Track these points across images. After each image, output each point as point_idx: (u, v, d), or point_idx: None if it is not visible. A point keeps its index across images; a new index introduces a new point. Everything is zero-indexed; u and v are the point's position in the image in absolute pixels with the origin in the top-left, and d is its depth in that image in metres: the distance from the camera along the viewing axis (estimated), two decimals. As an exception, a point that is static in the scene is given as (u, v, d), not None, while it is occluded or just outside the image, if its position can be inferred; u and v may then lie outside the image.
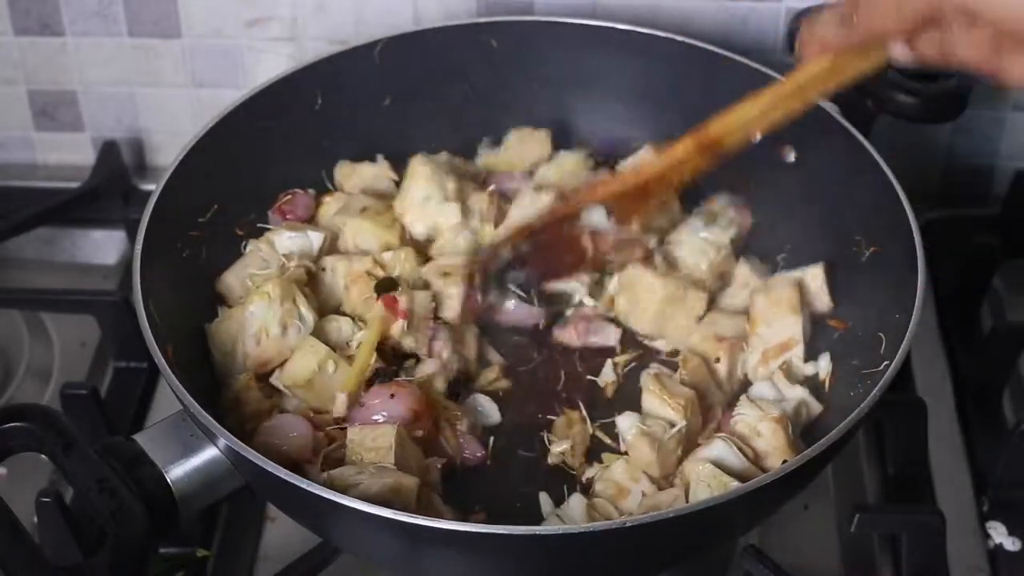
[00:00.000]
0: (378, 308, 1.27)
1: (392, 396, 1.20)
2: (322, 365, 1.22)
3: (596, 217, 1.29)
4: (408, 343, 1.27)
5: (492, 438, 1.25)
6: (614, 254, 1.33)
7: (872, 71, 1.11)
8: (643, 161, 1.38)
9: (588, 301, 1.36)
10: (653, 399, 1.23)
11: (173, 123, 1.66)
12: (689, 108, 1.43)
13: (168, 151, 1.65)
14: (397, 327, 1.27)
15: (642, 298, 1.33)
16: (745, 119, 1.20)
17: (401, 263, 1.32)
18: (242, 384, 1.22)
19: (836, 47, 1.09)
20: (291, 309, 1.26)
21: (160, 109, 1.66)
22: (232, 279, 1.30)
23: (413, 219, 1.38)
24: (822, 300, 1.31)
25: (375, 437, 1.16)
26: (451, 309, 1.31)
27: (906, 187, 1.24)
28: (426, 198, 1.37)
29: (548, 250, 1.31)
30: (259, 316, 1.25)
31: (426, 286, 1.32)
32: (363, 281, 1.30)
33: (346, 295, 1.31)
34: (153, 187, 1.26)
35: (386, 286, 1.29)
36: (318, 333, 1.26)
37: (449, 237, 1.36)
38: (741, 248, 1.39)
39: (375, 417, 1.18)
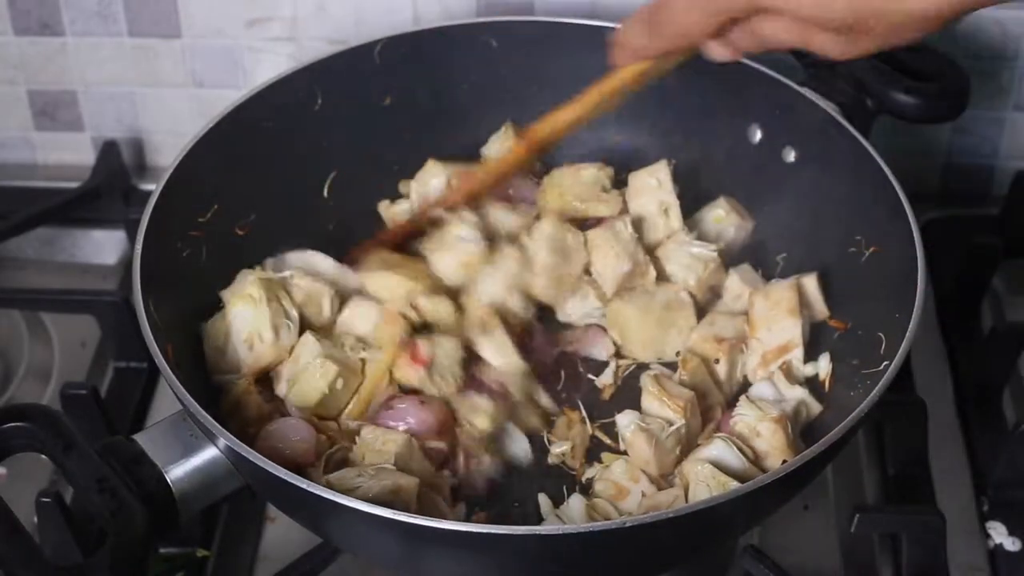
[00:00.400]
0: (392, 333, 1.25)
1: (422, 403, 1.21)
2: (332, 385, 1.22)
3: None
4: (430, 390, 1.24)
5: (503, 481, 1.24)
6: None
7: (685, 60, 1.18)
8: (482, 167, 1.41)
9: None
10: (652, 400, 1.23)
11: (173, 123, 1.66)
12: (689, 108, 1.44)
13: (168, 151, 1.65)
14: (416, 375, 1.23)
15: (631, 329, 1.32)
16: (568, 120, 1.31)
17: (435, 309, 1.28)
18: (242, 389, 1.22)
19: (646, 55, 1.15)
20: (278, 309, 1.26)
21: (160, 109, 1.66)
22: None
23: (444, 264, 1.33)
24: (819, 308, 1.30)
25: (385, 440, 1.16)
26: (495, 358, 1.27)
27: (906, 187, 1.24)
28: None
29: None
30: (247, 319, 1.24)
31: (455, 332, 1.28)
32: (395, 324, 1.26)
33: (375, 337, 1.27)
34: (153, 187, 1.26)
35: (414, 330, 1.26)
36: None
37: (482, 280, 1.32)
38: (736, 255, 1.39)
39: (396, 423, 1.19)
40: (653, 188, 1.39)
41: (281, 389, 1.24)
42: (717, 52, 1.12)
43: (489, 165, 1.41)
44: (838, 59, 1.04)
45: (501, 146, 1.45)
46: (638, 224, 1.38)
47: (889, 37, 1.00)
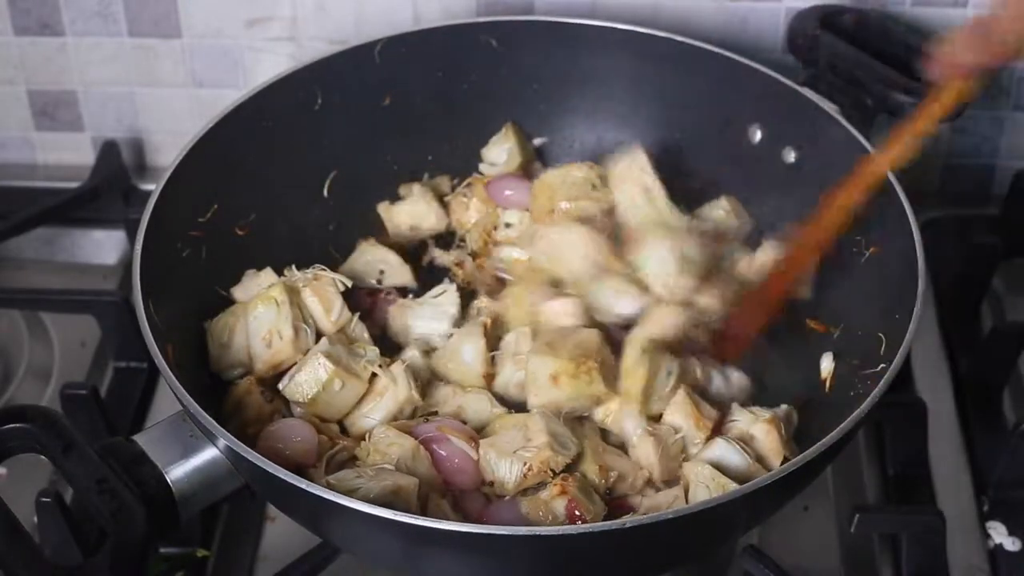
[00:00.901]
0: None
1: (465, 422, 1.22)
2: (328, 384, 1.22)
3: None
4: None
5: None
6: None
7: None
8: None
9: None
10: (678, 414, 1.22)
11: (173, 123, 1.66)
12: (689, 108, 1.44)
13: (168, 151, 1.65)
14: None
15: None
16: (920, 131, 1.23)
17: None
18: (243, 389, 1.22)
19: (977, 67, 1.12)
20: (298, 313, 1.26)
21: (160, 109, 1.66)
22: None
23: None
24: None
25: (391, 443, 1.16)
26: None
27: (906, 187, 1.24)
28: None
29: None
30: (268, 319, 1.24)
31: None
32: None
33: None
34: (153, 187, 1.26)
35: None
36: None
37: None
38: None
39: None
40: (635, 174, 1.39)
41: (283, 383, 1.24)
42: None
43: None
44: None
45: (501, 149, 1.46)
46: (623, 212, 1.38)
47: None
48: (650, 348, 1.22)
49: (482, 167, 1.49)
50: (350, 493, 1.06)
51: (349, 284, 1.30)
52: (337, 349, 1.24)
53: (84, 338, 1.50)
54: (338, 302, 1.28)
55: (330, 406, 1.22)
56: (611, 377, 1.22)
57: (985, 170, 1.65)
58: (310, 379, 1.21)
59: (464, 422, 1.24)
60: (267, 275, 1.32)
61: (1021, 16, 1.06)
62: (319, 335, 1.27)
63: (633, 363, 1.21)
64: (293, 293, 1.27)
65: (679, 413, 1.22)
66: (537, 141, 1.51)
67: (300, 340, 1.25)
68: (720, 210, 1.41)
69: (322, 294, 1.28)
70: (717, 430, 1.22)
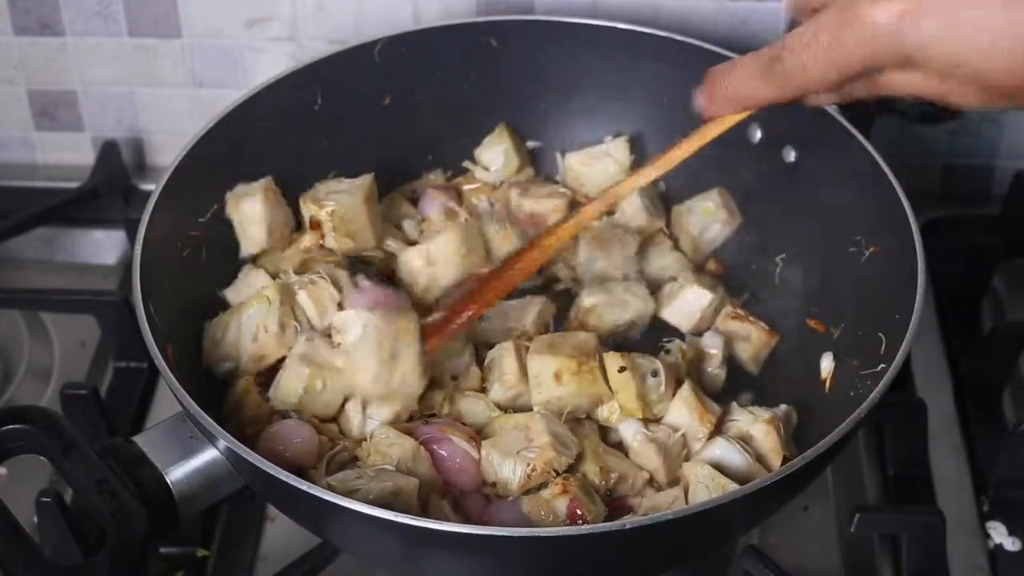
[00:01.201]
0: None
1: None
2: (309, 386, 1.21)
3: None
4: None
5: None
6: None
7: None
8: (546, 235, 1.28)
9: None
10: (682, 409, 1.22)
11: (173, 123, 1.66)
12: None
13: (168, 151, 1.65)
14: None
15: None
16: (637, 184, 1.22)
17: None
18: (242, 388, 1.22)
19: (756, 104, 1.00)
20: (288, 311, 1.26)
21: (160, 109, 1.66)
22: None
23: None
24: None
25: (391, 444, 1.16)
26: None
27: (906, 187, 1.24)
28: None
29: None
30: (257, 318, 1.25)
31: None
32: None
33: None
34: (153, 187, 1.26)
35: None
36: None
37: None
38: (724, 253, 1.40)
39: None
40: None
41: (271, 389, 1.24)
42: (821, 100, 1.00)
43: (542, 240, 1.27)
44: (970, 109, 0.93)
45: (497, 151, 1.46)
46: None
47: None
48: (628, 361, 1.22)
49: (477, 173, 1.48)
50: (350, 494, 1.06)
51: (339, 298, 1.29)
52: (315, 347, 1.23)
53: (84, 338, 1.50)
54: (332, 307, 1.28)
55: (319, 405, 1.22)
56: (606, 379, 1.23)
57: (985, 170, 1.65)
58: (290, 383, 1.21)
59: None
60: (259, 276, 1.32)
61: (820, 57, 0.92)
62: None
63: (620, 380, 1.22)
64: (287, 294, 1.26)
65: (683, 407, 1.22)
66: (531, 144, 1.50)
67: (286, 336, 1.25)
68: (709, 203, 1.41)
69: (317, 297, 1.28)
70: (717, 429, 1.22)
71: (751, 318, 1.33)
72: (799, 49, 0.93)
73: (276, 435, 1.17)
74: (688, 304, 1.35)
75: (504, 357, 1.26)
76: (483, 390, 1.27)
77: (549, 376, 1.21)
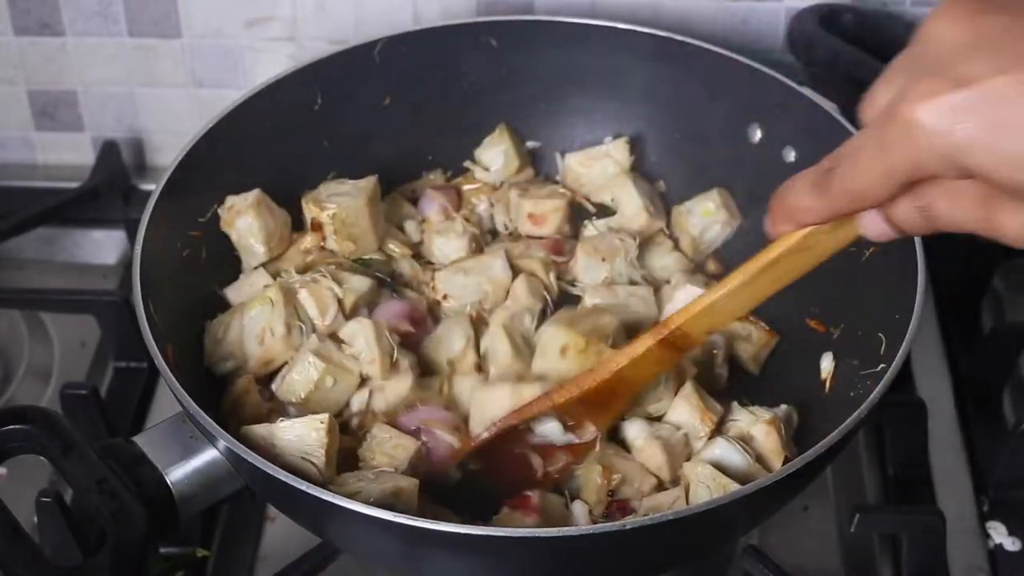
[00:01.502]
0: None
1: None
2: (321, 381, 1.22)
3: (548, 429, 1.20)
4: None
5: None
6: (565, 466, 1.21)
7: (839, 250, 1.01)
8: (602, 361, 1.20)
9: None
10: (684, 407, 1.22)
11: (173, 123, 1.66)
12: (689, 108, 1.44)
13: (168, 151, 1.65)
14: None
15: None
16: (711, 309, 1.11)
17: None
18: (242, 387, 1.22)
19: (812, 219, 0.95)
20: (292, 312, 1.26)
21: (160, 109, 1.66)
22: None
23: None
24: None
25: (396, 444, 1.16)
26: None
27: (906, 187, 1.24)
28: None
29: (495, 469, 1.21)
30: (261, 319, 1.25)
31: None
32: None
33: None
34: (153, 187, 1.26)
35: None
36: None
37: None
38: (725, 253, 1.40)
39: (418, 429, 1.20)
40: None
41: (275, 383, 1.24)
42: (876, 229, 0.93)
43: (607, 364, 1.18)
44: (1015, 245, 0.86)
45: (497, 152, 1.47)
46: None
47: None
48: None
49: (477, 173, 1.48)
50: (351, 496, 1.06)
51: (341, 296, 1.29)
52: (327, 346, 1.24)
53: (84, 338, 1.50)
54: (333, 306, 1.28)
55: (325, 403, 1.22)
56: None
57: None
58: (302, 378, 1.22)
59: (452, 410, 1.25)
60: (261, 276, 1.32)
61: (875, 161, 0.86)
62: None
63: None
64: (289, 294, 1.27)
65: (685, 405, 1.22)
66: (530, 144, 1.50)
67: (292, 337, 1.25)
68: (709, 203, 1.41)
69: (318, 296, 1.28)
70: (717, 429, 1.22)
71: (752, 318, 1.33)
72: (850, 155, 0.89)
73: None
74: (683, 303, 1.35)
75: (496, 342, 1.26)
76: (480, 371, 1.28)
77: (556, 348, 1.22)
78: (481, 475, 1.21)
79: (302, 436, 1.11)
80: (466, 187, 1.47)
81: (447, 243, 1.39)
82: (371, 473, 1.12)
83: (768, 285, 1.06)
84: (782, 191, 0.96)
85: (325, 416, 1.12)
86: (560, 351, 1.22)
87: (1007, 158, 0.79)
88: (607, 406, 1.19)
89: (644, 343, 1.15)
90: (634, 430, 1.21)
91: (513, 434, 1.20)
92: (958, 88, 0.79)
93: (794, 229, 0.98)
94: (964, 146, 0.80)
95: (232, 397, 1.22)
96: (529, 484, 1.19)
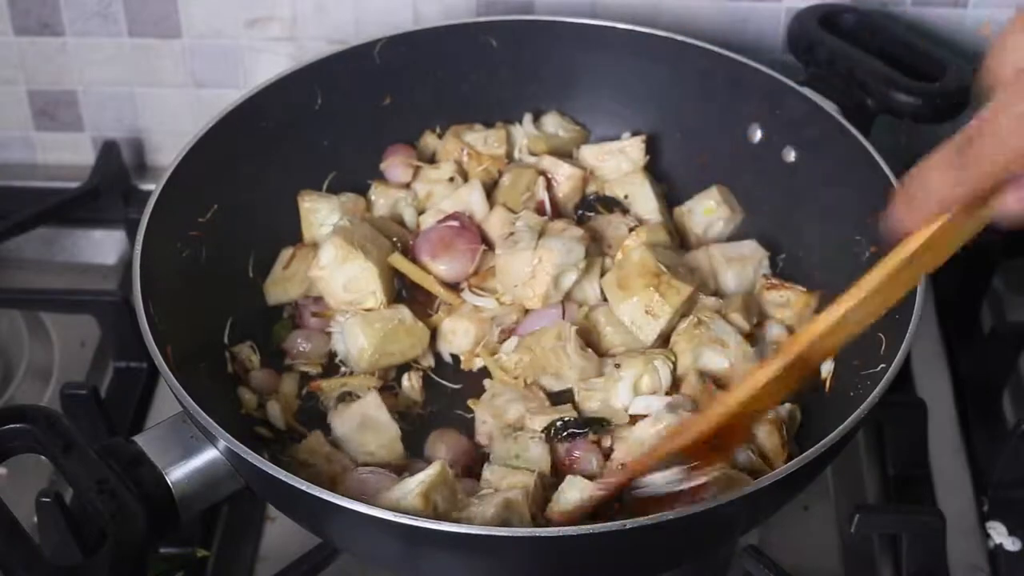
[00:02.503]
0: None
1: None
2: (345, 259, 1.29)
3: (664, 480, 1.09)
4: None
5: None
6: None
7: (973, 235, 0.94)
8: (719, 395, 1.13)
9: None
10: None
11: (173, 123, 1.66)
12: (689, 108, 1.44)
13: (168, 151, 1.65)
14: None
15: None
16: (838, 325, 1.00)
17: None
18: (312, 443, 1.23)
19: (957, 197, 0.87)
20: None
21: (160, 109, 1.66)
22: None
23: None
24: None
25: (513, 483, 1.15)
26: None
27: (906, 187, 1.24)
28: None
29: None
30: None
31: None
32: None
33: None
34: (153, 187, 1.26)
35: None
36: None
37: None
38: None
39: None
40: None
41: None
42: (1015, 204, 0.86)
43: (727, 399, 1.06)
44: None
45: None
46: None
47: None
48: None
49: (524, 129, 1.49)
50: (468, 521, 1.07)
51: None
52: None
53: (84, 338, 1.50)
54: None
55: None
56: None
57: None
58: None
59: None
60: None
61: (1014, 125, 0.81)
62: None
63: None
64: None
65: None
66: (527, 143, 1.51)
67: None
68: (710, 201, 1.41)
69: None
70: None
71: (786, 284, 1.33)
72: (992, 120, 0.83)
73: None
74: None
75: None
76: None
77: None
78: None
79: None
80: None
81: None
82: (475, 500, 1.12)
83: (898, 289, 0.99)
84: (915, 175, 0.88)
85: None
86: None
87: None
88: (728, 442, 1.09)
89: (766, 373, 1.03)
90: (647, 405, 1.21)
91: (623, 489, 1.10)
92: None
93: (932, 217, 0.91)
94: None
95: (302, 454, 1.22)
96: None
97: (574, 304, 1.33)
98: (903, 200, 0.91)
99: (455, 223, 1.37)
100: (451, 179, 1.42)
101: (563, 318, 1.31)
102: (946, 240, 0.93)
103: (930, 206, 0.89)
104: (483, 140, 1.44)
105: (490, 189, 1.42)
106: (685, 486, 1.07)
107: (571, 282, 1.32)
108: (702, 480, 1.07)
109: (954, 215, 0.90)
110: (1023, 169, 0.83)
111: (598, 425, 1.20)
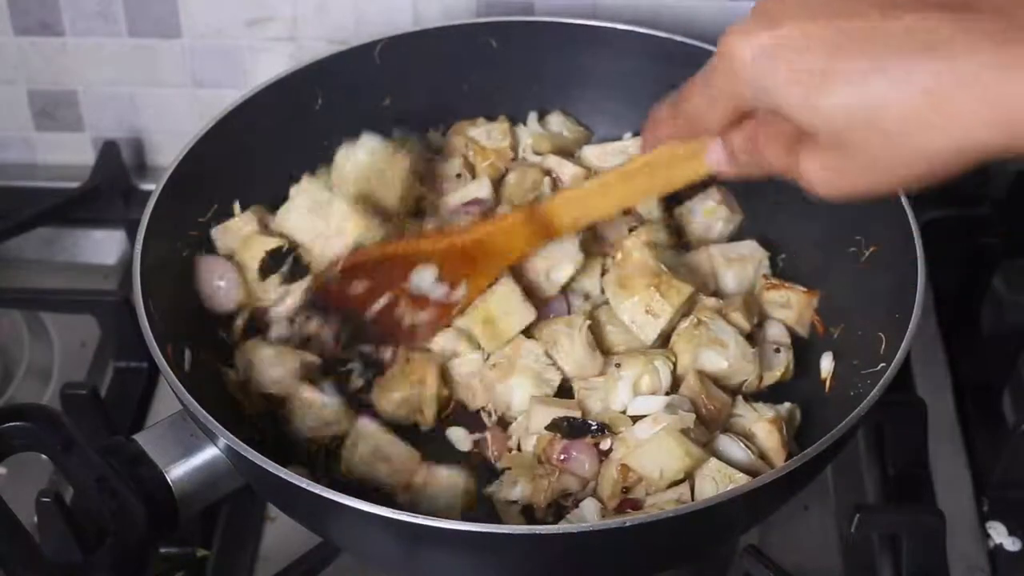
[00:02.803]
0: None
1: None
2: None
3: (423, 278, 1.27)
4: None
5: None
6: (430, 324, 1.29)
7: (698, 178, 1.10)
8: (474, 224, 1.32)
9: None
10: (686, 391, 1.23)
11: (173, 123, 1.66)
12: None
13: (168, 151, 1.65)
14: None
15: None
16: (581, 200, 1.21)
17: None
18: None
19: (666, 135, 1.06)
20: None
21: (160, 109, 1.66)
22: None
23: None
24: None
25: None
26: None
27: (906, 187, 1.24)
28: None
29: (362, 304, 1.28)
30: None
31: None
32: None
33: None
34: (153, 187, 1.26)
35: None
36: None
37: None
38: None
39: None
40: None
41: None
42: (716, 158, 1.03)
43: (480, 226, 1.29)
44: (823, 194, 0.92)
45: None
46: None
47: (882, 174, 0.89)
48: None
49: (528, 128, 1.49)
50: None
51: None
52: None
53: (84, 338, 1.50)
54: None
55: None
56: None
57: (985, 170, 1.65)
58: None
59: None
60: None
61: (703, 89, 0.96)
62: None
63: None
64: None
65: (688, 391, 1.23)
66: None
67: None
68: (710, 201, 1.41)
69: None
70: (719, 423, 1.22)
71: (786, 284, 1.33)
72: (689, 82, 0.98)
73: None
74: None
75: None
76: None
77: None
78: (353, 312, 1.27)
79: None
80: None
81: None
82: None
83: (633, 193, 1.19)
84: (654, 109, 1.06)
85: None
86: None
87: (801, 99, 0.85)
88: (476, 269, 1.27)
89: (515, 217, 1.25)
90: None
91: (392, 273, 1.27)
92: (767, 28, 0.86)
93: (657, 144, 1.09)
94: (767, 82, 0.87)
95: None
96: (394, 336, 1.28)
97: (578, 302, 1.33)
98: (644, 128, 1.08)
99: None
100: (458, 175, 1.42)
101: (568, 313, 1.32)
102: (671, 168, 1.11)
103: (654, 137, 1.08)
104: (486, 134, 1.45)
105: (496, 185, 1.42)
106: (444, 294, 1.27)
107: (565, 277, 1.32)
108: (456, 299, 1.28)
109: (671, 149, 1.09)
110: (711, 129, 0.99)
111: (599, 432, 1.20)
